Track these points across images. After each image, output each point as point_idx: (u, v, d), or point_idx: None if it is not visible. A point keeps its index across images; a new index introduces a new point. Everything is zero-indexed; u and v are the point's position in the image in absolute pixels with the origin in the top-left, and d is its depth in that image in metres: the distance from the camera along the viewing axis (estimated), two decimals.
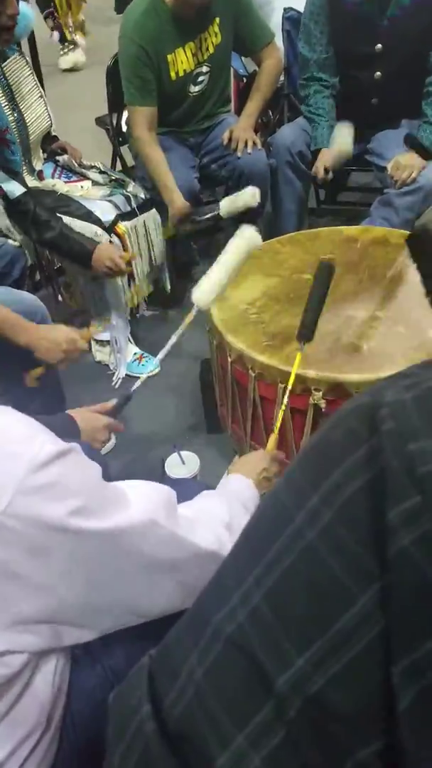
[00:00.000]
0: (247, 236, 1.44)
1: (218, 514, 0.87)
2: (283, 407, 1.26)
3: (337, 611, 0.28)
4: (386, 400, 0.29)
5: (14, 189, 1.91)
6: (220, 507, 0.90)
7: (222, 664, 0.31)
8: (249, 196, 1.98)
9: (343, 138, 2.27)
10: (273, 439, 1.21)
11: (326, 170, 2.21)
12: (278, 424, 1.23)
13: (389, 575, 0.27)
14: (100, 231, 2.10)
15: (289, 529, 0.30)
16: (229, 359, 1.51)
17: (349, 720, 0.28)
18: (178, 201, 2.18)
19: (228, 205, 2.08)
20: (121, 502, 0.71)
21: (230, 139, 2.30)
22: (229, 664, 0.31)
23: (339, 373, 1.34)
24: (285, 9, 2.64)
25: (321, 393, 1.33)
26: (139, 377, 2.26)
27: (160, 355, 1.51)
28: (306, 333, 1.24)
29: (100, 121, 2.80)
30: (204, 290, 1.43)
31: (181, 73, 2.24)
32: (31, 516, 0.62)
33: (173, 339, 1.45)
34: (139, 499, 0.73)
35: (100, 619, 0.73)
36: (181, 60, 2.22)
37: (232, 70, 2.70)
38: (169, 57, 2.19)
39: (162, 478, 1.83)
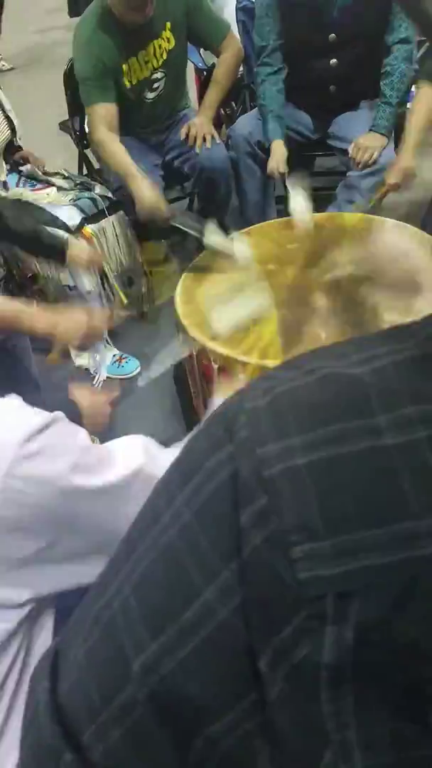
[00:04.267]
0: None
1: None
2: None
3: (186, 603, 0.30)
4: (245, 406, 0.31)
5: None
6: None
7: (97, 647, 0.33)
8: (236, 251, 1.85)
9: (301, 213, 1.98)
10: None
11: (281, 173, 2.19)
12: None
13: (245, 573, 0.28)
14: (66, 235, 2.11)
15: (157, 527, 0.32)
16: (194, 352, 1.53)
17: (195, 701, 0.30)
18: (148, 194, 2.06)
19: (213, 242, 1.85)
20: (108, 458, 0.79)
21: (189, 135, 2.31)
22: (102, 648, 0.33)
23: None
24: (238, 0, 2.64)
25: None
26: (120, 378, 2.32)
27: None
28: None
29: (63, 126, 2.81)
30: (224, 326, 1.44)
31: (134, 82, 2.25)
32: (34, 476, 0.69)
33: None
34: (122, 452, 0.82)
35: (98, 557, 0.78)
36: (135, 69, 2.22)
37: (191, 64, 2.71)
38: (124, 66, 2.19)
39: None
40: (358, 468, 0.27)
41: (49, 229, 2.01)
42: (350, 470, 0.27)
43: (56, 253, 1.91)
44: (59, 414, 0.76)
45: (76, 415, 1.21)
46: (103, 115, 2.19)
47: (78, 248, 1.91)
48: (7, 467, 0.68)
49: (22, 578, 0.74)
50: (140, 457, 0.81)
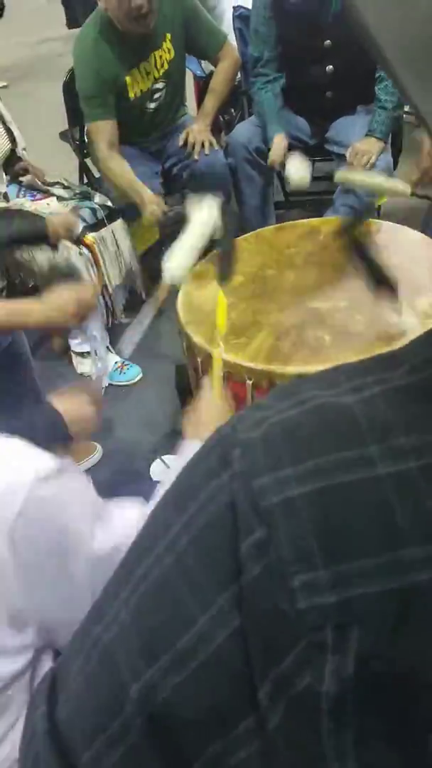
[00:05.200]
0: (207, 209, 1.47)
1: None
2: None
3: (181, 630, 0.30)
4: (239, 437, 0.31)
5: None
6: None
7: (95, 672, 0.34)
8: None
9: (297, 173, 2.14)
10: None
11: (282, 162, 2.20)
12: None
13: (244, 602, 0.29)
14: (69, 243, 2.13)
15: (153, 554, 0.33)
16: (198, 360, 1.53)
17: (190, 727, 0.30)
18: (149, 198, 2.17)
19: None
20: (106, 517, 0.78)
21: (187, 142, 2.33)
22: (100, 673, 0.34)
23: (303, 366, 1.37)
24: (234, 8, 2.67)
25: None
26: (123, 385, 2.33)
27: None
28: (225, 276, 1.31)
29: (63, 136, 2.82)
30: (177, 265, 1.44)
31: (138, 93, 2.28)
32: (43, 519, 0.69)
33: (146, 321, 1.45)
34: (121, 515, 0.80)
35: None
36: (137, 80, 2.25)
37: (190, 72, 2.73)
38: (128, 79, 2.22)
39: (149, 483, 1.87)
40: (351, 498, 0.27)
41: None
42: (344, 500, 0.28)
43: (41, 231, 1.94)
44: (68, 462, 0.76)
45: (61, 426, 1.19)
46: (103, 132, 2.24)
47: (55, 220, 1.94)
48: (18, 509, 0.67)
49: (29, 624, 0.73)
50: (138, 521, 0.80)
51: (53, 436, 1.16)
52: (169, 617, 0.31)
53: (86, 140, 2.54)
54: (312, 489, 0.28)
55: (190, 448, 1.02)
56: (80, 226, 2.14)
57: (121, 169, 2.24)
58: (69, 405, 1.22)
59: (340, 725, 0.27)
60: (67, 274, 2.07)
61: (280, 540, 0.28)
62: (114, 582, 0.36)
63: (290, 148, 2.29)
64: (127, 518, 0.81)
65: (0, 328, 1.41)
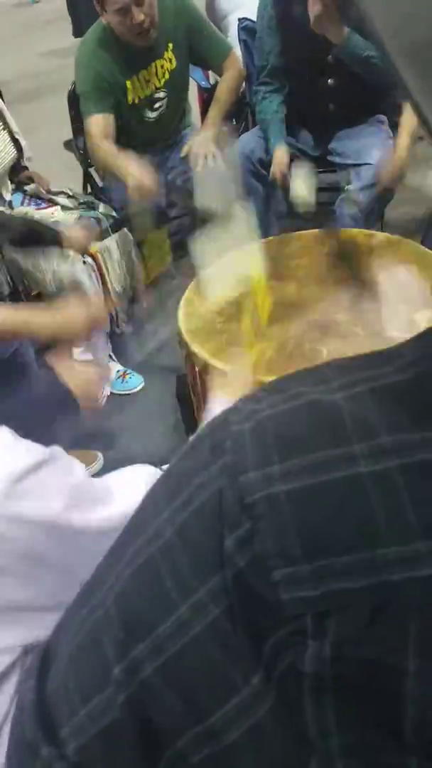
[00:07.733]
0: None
1: None
2: None
3: (163, 616, 0.32)
4: (230, 429, 0.32)
5: None
6: None
7: (82, 649, 0.35)
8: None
9: (302, 193, 2.15)
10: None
11: (283, 175, 2.21)
12: None
13: (227, 593, 0.30)
14: (72, 252, 2.14)
15: (141, 539, 0.34)
16: (196, 368, 1.54)
17: (168, 711, 0.31)
18: (136, 170, 2.08)
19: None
20: (104, 495, 0.76)
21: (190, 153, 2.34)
22: (86, 650, 0.35)
23: None
24: (240, 19, 2.67)
25: None
26: (125, 393, 2.34)
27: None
28: None
29: (67, 145, 2.84)
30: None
31: (137, 100, 2.29)
32: (22, 517, 0.67)
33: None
34: (123, 490, 0.79)
35: None
36: (137, 88, 2.27)
37: (194, 83, 2.74)
38: (128, 83, 2.24)
39: None
40: (333, 496, 0.28)
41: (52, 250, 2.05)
42: (326, 499, 0.28)
43: (53, 238, 1.93)
44: (55, 450, 0.74)
45: (68, 399, 1.18)
46: (99, 125, 2.23)
47: (72, 230, 1.94)
48: None
49: (14, 623, 0.72)
50: (142, 492, 0.78)
51: (61, 403, 1.15)
52: (152, 602, 0.32)
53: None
54: (295, 486, 0.29)
55: (217, 404, 0.98)
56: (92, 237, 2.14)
57: (110, 150, 2.19)
58: (75, 378, 1.20)
59: (321, 705, 0.28)
60: (71, 287, 2.07)
61: (263, 535, 0.29)
62: (104, 563, 0.37)
63: (293, 159, 2.30)
64: (130, 491, 0.79)
65: (4, 336, 1.40)
